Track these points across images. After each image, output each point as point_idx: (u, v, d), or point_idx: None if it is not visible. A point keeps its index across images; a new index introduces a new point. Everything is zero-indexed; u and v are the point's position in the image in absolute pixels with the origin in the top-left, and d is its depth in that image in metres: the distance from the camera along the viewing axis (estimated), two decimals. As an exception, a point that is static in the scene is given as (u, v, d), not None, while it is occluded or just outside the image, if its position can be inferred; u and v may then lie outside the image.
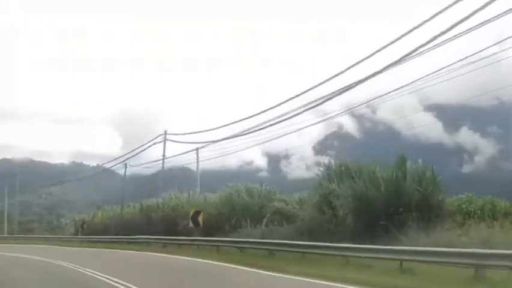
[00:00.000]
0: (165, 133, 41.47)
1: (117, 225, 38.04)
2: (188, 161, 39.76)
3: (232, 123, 31.41)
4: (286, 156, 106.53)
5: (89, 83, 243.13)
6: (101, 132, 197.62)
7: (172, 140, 41.28)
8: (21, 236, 52.23)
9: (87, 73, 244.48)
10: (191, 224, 26.00)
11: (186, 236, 27.23)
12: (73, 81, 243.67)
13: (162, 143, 41.13)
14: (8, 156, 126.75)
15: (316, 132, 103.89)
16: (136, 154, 45.33)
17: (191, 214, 26.16)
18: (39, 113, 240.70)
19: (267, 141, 30.33)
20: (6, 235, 55.23)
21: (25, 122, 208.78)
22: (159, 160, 42.37)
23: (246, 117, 28.28)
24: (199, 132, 37.31)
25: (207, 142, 35.95)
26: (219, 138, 34.19)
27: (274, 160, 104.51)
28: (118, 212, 41.75)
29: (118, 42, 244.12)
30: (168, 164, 42.31)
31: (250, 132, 28.43)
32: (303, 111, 22.88)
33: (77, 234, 41.96)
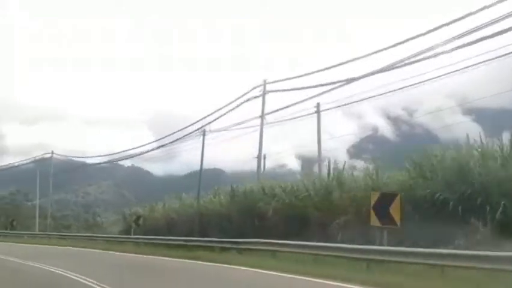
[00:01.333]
0: (264, 83, 28.22)
1: (191, 221, 26.71)
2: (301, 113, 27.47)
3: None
4: (320, 160, 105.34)
5: (125, 83, 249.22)
6: (136, 133, 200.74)
7: (276, 91, 28.06)
8: (56, 233, 41.28)
9: (123, 73, 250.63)
10: (376, 222, 13.96)
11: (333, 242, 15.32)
12: (110, 81, 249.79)
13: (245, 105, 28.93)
14: (47, 155, 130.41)
15: (351, 135, 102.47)
16: (223, 115, 30.18)
17: (373, 201, 14.13)
18: (77, 113, 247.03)
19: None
20: (37, 232, 44.47)
21: (64, 122, 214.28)
22: (255, 118, 28.90)
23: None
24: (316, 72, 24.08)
25: (335, 82, 23.06)
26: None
27: (308, 163, 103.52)
28: (189, 202, 29.65)
29: (146, 42, 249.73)
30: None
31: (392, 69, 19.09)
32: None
33: (129, 233, 30.60)
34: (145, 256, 20.31)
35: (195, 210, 27.51)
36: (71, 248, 28.18)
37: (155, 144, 40.17)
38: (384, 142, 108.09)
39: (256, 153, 29.43)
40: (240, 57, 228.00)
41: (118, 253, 23.17)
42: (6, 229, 43.63)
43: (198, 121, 32.06)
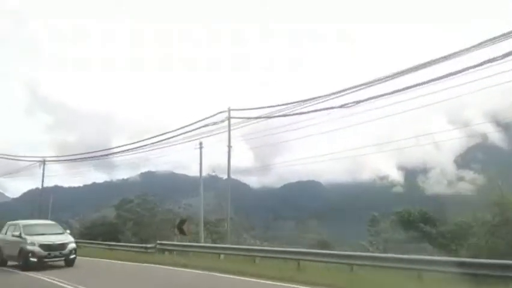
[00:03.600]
0: None
1: None
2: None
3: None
4: (424, 171, 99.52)
5: (220, 96, 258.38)
6: (234, 146, 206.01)
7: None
8: (258, 248, 24.08)
9: (220, 83, 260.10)
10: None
11: None
12: (205, 95, 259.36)
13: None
14: (153, 169, 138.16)
15: (458, 144, 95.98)
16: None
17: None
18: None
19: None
20: (202, 243, 26.51)
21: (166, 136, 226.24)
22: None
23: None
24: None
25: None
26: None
27: (411, 174, 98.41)
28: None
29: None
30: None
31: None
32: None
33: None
34: None
35: None
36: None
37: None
38: (495, 151, 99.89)
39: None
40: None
41: None
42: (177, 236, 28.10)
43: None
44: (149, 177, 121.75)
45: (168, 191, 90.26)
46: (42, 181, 47.24)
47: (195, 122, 26.84)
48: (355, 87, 18.61)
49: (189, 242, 26.55)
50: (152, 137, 30.53)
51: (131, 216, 42.21)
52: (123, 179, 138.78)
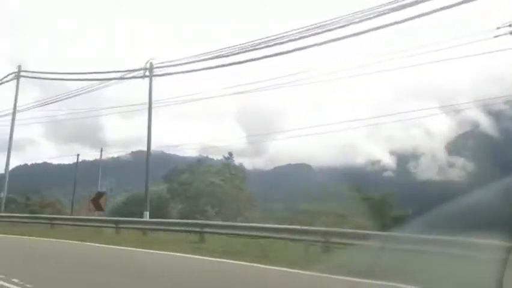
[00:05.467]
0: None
1: None
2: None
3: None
4: (415, 157, 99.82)
5: (218, 77, 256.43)
6: (227, 127, 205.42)
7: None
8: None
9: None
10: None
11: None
12: (201, 75, 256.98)
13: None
14: (144, 149, 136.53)
15: (449, 131, 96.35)
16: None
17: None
18: (170, 107, 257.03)
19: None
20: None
21: (159, 116, 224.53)
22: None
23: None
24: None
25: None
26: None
27: (402, 160, 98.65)
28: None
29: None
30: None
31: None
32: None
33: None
34: None
35: None
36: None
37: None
38: (485, 139, 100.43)
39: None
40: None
41: None
42: None
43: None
44: (141, 157, 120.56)
45: (161, 172, 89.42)
46: (150, 97, 26.18)
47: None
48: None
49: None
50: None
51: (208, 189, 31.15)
52: (113, 157, 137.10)
